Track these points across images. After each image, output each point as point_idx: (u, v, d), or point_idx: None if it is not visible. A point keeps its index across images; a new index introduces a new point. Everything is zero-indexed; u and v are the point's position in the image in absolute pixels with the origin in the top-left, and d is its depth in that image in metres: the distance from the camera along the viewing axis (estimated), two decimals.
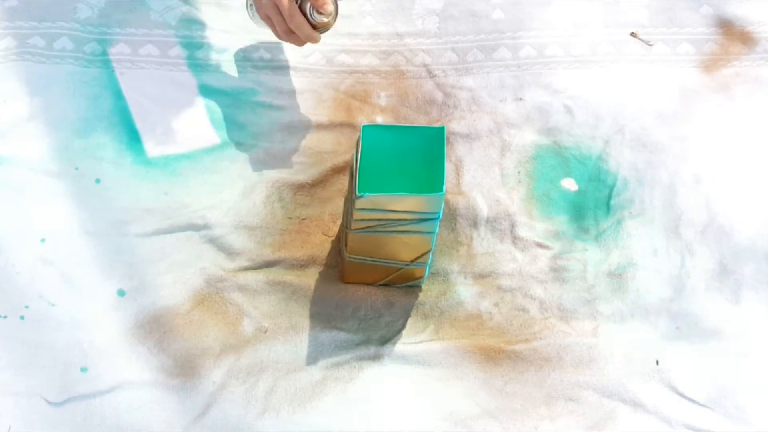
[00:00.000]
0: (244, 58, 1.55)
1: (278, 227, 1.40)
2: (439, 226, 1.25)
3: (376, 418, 1.26)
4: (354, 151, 1.41)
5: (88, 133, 1.45)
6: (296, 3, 1.31)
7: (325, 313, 1.34)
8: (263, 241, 1.38)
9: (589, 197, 1.46)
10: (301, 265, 1.37)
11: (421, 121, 1.51)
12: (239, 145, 1.46)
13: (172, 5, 1.59)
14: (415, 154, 1.25)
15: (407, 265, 1.30)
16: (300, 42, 1.37)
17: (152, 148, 1.45)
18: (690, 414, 1.27)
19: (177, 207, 1.40)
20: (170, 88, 1.51)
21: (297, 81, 1.54)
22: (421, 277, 1.34)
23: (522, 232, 1.41)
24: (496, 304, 1.36)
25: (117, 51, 1.54)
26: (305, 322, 1.32)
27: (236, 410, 1.25)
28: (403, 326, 1.33)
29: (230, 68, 1.54)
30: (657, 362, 1.30)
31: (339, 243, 1.39)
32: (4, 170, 1.41)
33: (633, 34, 1.62)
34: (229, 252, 1.37)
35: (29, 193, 1.39)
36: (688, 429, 1.26)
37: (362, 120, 1.50)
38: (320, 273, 1.37)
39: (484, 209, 1.43)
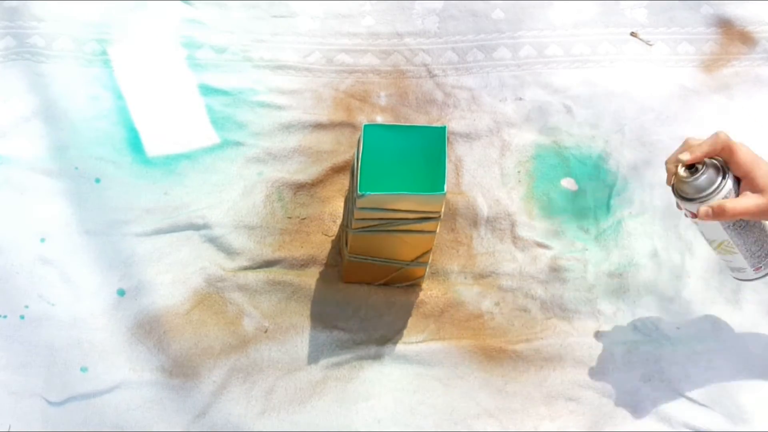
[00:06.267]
0: (244, 58, 1.55)
1: (278, 227, 1.40)
2: (439, 225, 1.25)
3: (376, 417, 1.26)
4: (355, 150, 1.41)
5: (88, 133, 1.45)
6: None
7: (325, 313, 1.34)
8: (263, 240, 1.38)
9: (589, 197, 1.46)
10: (301, 264, 1.37)
11: (421, 120, 1.51)
12: (239, 145, 1.46)
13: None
14: (417, 153, 1.25)
15: (408, 264, 1.30)
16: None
17: (152, 147, 1.45)
18: (690, 414, 1.27)
19: (177, 207, 1.40)
20: (170, 88, 1.51)
21: (297, 81, 1.54)
22: (422, 277, 1.34)
23: (522, 231, 1.41)
24: (497, 304, 1.36)
25: (117, 50, 1.54)
26: (305, 322, 1.32)
27: (236, 410, 1.25)
28: (404, 326, 1.33)
29: (230, 68, 1.54)
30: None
31: (339, 242, 1.39)
32: (4, 170, 1.41)
33: (633, 34, 1.61)
34: (229, 252, 1.37)
35: (29, 193, 1.39)
36: (688, 429, 1.26)
37: (362, 120, 1.50)
38: (320, 273, 1.37)
39: (484, 209, 1.43)
